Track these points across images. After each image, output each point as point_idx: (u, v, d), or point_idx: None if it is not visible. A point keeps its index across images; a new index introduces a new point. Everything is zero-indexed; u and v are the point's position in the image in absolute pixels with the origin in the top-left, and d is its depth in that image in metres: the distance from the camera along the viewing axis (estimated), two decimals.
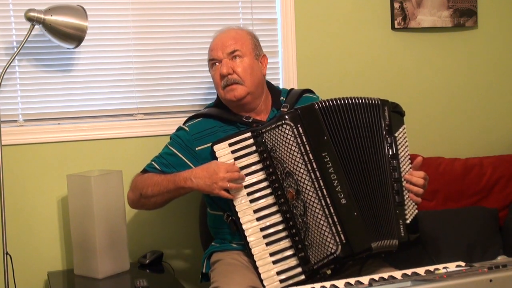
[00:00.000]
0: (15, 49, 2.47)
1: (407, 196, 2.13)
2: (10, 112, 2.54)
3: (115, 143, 2.66)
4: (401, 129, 2.18)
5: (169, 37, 2.73)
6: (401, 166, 2.13)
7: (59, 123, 2.61)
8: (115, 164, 2.61)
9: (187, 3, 2.74)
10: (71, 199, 2.44)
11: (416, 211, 2.14)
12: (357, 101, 2.12)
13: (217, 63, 2.26)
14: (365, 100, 2.13)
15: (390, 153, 2.12)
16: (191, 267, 2.76)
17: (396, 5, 2.97)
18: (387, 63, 3.01)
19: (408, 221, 2.10)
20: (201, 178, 2.05)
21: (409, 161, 2.17)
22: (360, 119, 2.11)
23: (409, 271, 1.55)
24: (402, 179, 2.12)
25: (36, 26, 2.39)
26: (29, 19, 2.35)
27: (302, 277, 2.01)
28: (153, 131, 2.68)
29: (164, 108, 2.73)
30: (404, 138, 2.18)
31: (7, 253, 2.34)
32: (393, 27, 2.99)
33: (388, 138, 2.13)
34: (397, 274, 1.52)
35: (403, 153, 2.16)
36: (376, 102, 2.15)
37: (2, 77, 2.36)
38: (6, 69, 2.37)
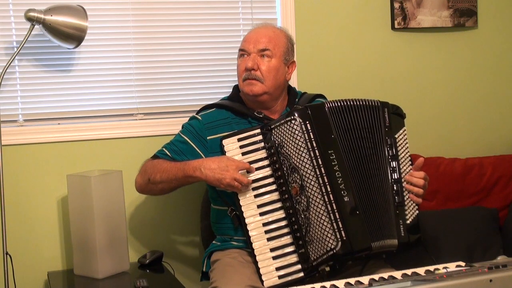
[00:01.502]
0: (15, 49, 2.47)
1: (407, 197, 2.13)
2: (10, 112, 2.54)
3: (115, 143, 2.66)
4: (401, 131, 2.19)
5: (169, 37, 2.73)
6: (401, 167, 2.14)
7: (59, 123, 2.61)
8: (115, 164, 2.61)
9: (187, 3, 2.74)
10: (71, 199, 2.43)
11: (417, 211, 2.14)
12: (360, 103, 2.14)
13: (245, 55, 2.28)
14: (366, 102, 2.15)
15: (390, 154, 2.14)
16: (191, 267, 2.76)
17: (396, 5, 2.96)
18: (387, 63, 3.01)
19: (408, 222, 2.11)
20: (211, 170, 2.06)
21: (410, 162, 2.18)
22: (363, 120, 2.13)
23: (409, 271, 1.55)
24: (402, 180, 2.13)
25: (36, 26, 2.38)
26: (29, 19, 2.35)
27: (301, 274, 2.02)
28: (153, 131, 2.68)
29: (164, 108, 2.73)
30: (405, 139, 2.19)
31: (7, 253, 2.34)
32: (393, 27, 2.99)
33: (388, 140, 2.14)
34: (397, 274, 1.52)
35: (403, 154, 2.16)
36: (376, 104, 2.17)
37: (2, 77, 2.36)
38: (6, 69, 2.37)
